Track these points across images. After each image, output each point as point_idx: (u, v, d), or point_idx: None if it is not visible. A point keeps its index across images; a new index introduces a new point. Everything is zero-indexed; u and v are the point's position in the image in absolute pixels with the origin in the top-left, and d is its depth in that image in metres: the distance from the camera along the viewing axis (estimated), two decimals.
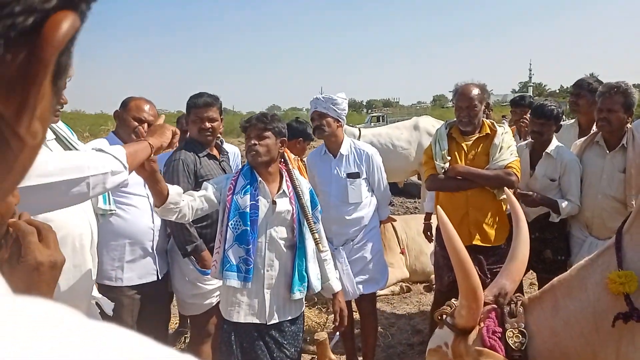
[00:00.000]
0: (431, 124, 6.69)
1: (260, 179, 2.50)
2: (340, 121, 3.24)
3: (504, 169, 2.96)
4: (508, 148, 3.02)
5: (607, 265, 1.58)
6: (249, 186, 2.48)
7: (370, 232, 3.30)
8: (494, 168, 2.98)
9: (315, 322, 4.25)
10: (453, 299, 1.75)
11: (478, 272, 2.63)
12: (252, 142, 2.48)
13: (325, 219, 3.28)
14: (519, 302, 1.65)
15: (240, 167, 2.65)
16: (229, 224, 2.43)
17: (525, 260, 1.75)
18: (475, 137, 3.08)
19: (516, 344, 1.53)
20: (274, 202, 2.50)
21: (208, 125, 3.00)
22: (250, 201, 2.45)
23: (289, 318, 2.56)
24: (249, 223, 2.43)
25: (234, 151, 3.70)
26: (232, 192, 2.47)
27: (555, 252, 3.21)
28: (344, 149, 3.24)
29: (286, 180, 2.58)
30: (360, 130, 6.88)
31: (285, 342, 2.54)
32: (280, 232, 2.52)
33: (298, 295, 2.50)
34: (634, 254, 1.55)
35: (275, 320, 2.51)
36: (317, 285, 2.56)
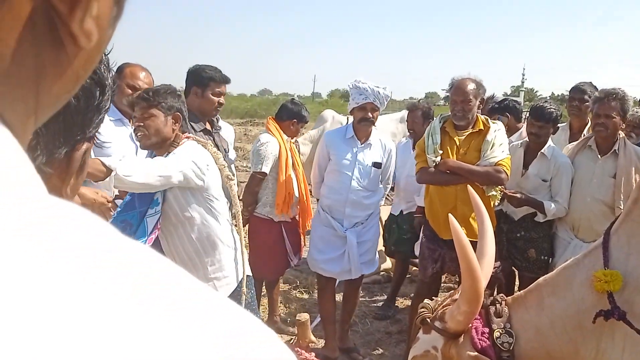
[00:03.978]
0: None
1: None
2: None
3: (494, 166, 2.97)
4: (500, 145, 3.03)
5: (594, 264, 1.60)
6: None
7: (376, 218, 3.53)
8: (484, 164, 2.99)
9: (298, 304, 4.26)
10: (426, 300, 1.74)
11: None
12: (137, 123, 2.20)
13: (340, 200, 3.41)
14: (504, 302, 1.65)
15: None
16: None
17: (492, 257, 1.75)
18: (468, 132, 3.09)
19: (504, 344, 1.53)
20: None
21: (222, 101, 3.01)
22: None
23: None
24: None
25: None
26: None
27: (539, 252, 3.25)
28: (373, 139, 3.41)
29: None
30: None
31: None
32: None
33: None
34: (620, 254, 1.57)
35: None
36: None
